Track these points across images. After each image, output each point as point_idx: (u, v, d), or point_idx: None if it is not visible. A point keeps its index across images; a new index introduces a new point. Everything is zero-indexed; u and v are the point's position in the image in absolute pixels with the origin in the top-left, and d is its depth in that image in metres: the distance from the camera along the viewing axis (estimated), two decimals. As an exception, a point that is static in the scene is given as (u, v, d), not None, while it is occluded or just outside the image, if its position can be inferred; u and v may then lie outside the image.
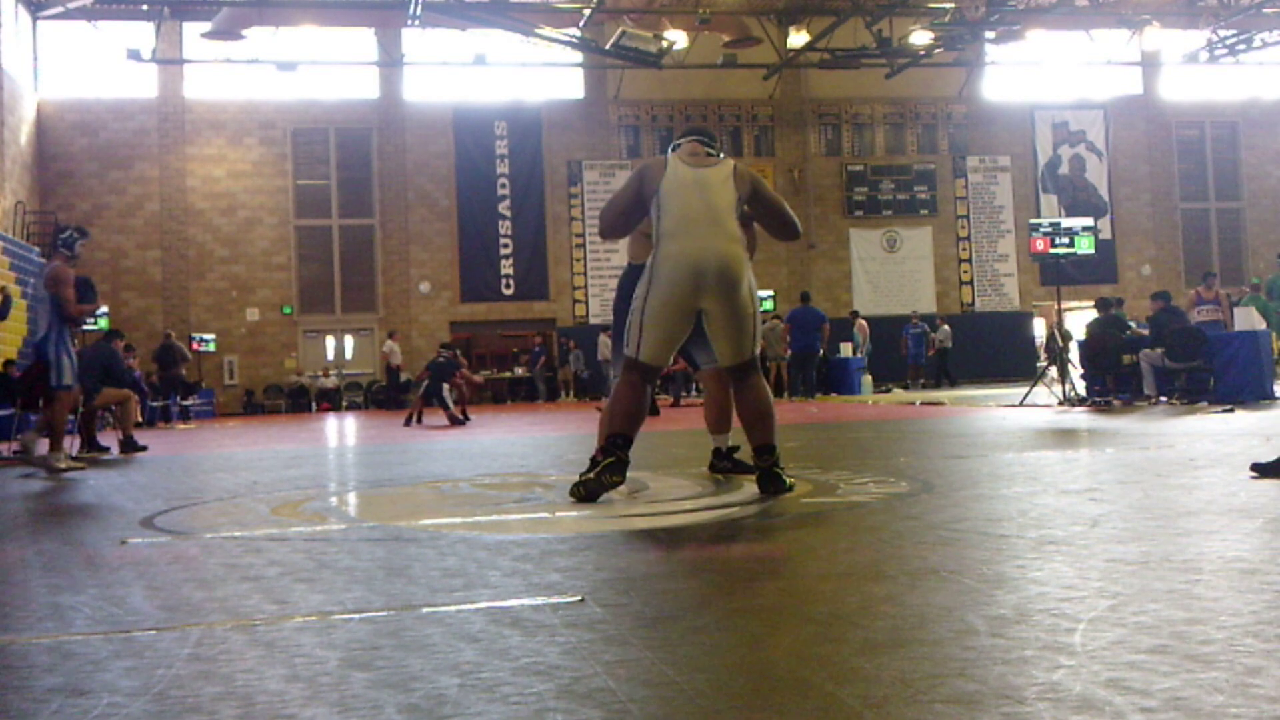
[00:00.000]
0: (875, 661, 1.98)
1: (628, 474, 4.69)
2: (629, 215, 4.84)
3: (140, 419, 15.67)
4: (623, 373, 4.74)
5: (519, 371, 26.90)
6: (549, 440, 10.18)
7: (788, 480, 4.69)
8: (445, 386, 14.69)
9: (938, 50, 24.86)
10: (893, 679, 1.87)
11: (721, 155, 4.91)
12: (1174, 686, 1.75)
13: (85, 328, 20.16)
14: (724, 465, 5.61)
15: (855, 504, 4.27)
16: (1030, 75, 29.43)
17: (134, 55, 23.40)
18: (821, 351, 19.96)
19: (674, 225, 4.58)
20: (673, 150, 4.87)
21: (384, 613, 2.58)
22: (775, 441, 4.69)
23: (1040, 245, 13.87)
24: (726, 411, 5.49)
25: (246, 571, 3.23)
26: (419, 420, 15.15)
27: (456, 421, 14.42)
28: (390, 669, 2.05)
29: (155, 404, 19.57)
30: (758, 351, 4.73)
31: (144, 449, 10.49)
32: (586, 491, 4.56)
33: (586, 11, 23.08)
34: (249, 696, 1.91)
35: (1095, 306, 14.58)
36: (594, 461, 4.86)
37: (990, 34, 23.83)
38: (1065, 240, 13.86)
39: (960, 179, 29.31)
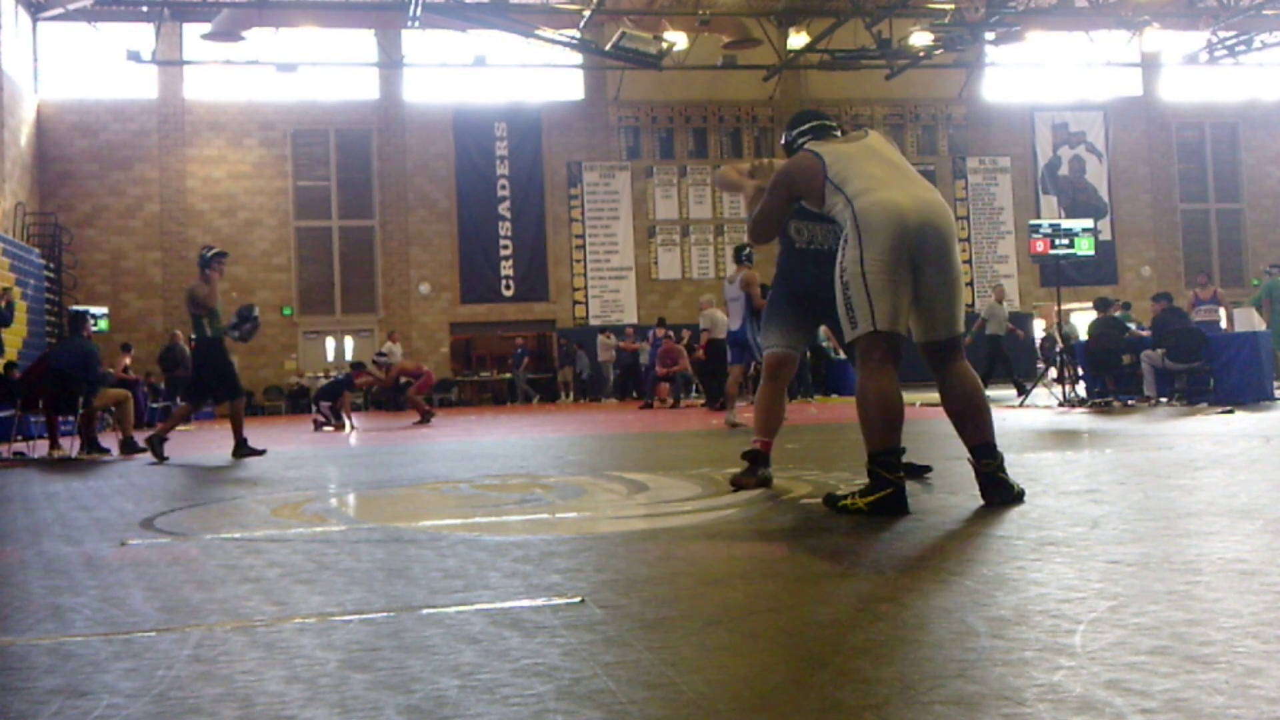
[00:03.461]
0: (875, 662, 1.98)
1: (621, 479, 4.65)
2: (780, 217, 4.52)
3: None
4: (862, 359, 4.00)
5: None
6: (550, 441, 10.18)
7: (1016, 486, 4.02)
8: (325, 405, 15.52)
9: (937, 51, 24.86)
10: (893, 680, 1.87)
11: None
12: (1174, 688, 1.75)
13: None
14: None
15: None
16: (1030, 76, 29.44)
17: (134, 56, 23.40)
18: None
19: (868, 182, 4.03)
20: (807, 142, 4.46)
21: (384, 614, 2.58)
22: (995, 440, 4.04)
23: (1040, 246, 13.89)
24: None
25: (246, 573, 3.23)
26: (338, 426, 15.32)
27: (322, 427, 14.95)
28: (390, 670, 2.05)
29: (155, 405, 19.56)
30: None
31: (144, 450, 10.45)
32: (898, 509, 3.85)
33: (586, 13, 23.08)
34: (249, 698, 1.92)
35: (1095, 306, 14.59)
36: (873, 475, 3.91)
37: (990, 35, 23.83)
38: (1065, 241, 13.87)
39: (960, 180, 29.32)
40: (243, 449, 9.30)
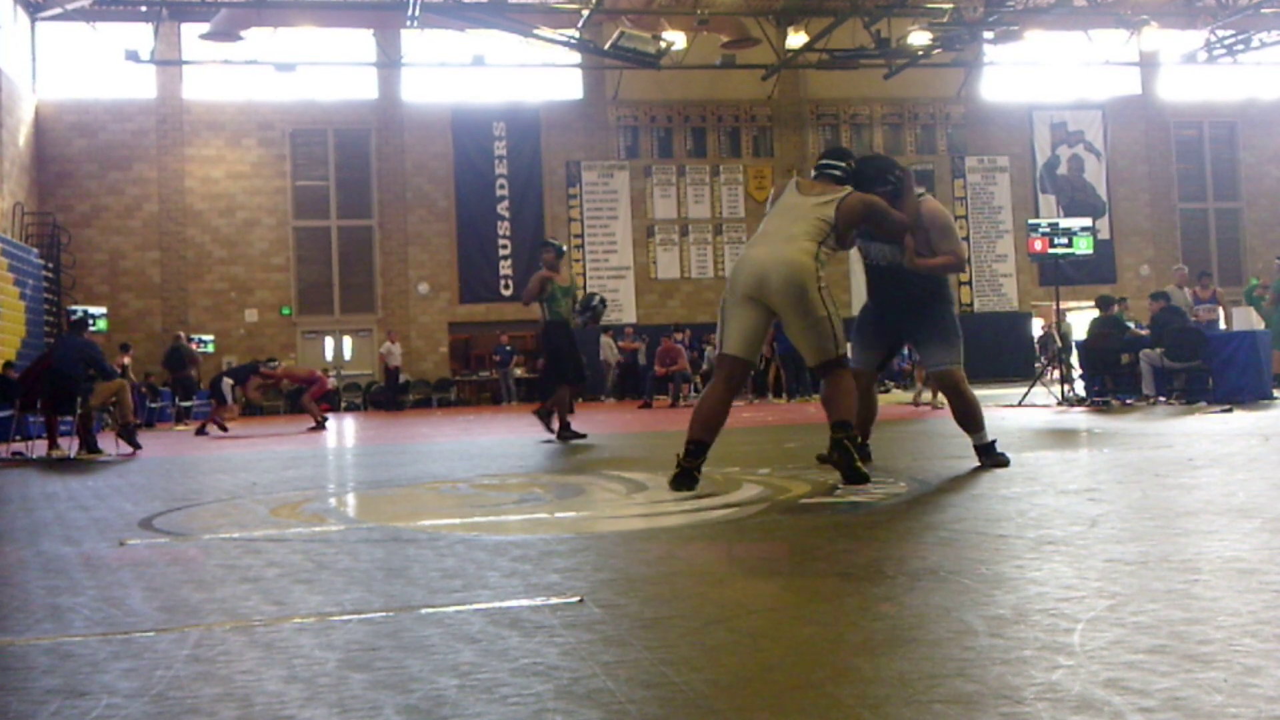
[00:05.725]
0: (874, 662, 1.98)
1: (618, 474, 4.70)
2: None
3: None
4: (714, 371, 5.21)
5: (518, 373, 26.84)
6: (549, 441, 10.17)
7: (853, 454, 4.80)
8: (229, 382, 15.60)
9: (936, 51, 24.86)
10: (892, 679, 1.87)
11: (846, 187, 5.06)
12: (1173, 686, 1.75)
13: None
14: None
15: (855, 504, 4.27)
16: (1028, 75, 29.43)
17: (132, 56, 23.38)
18: None
19: (755, 236, 5.13)
20: (813, 174, 5.23)
21: (383, 614, 2.58)
22: (852, 419, 4.91)
23: (1039, 245, 13.88)
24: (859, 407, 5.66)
25: (245, 573, 3.23)
26: (216, 429, 14.88)
27: (222, 428, 14.81)
28: (389, 670, 2.05)
29: (153, 405, 19.55)
30: (842, 350, 4.97)
31: (139, 446, 10.35)
32: (680, 486, 4.85)
33: (585, 12, 23.07)
34: (248, 698, 1.92)
35: (1096, 305, 14.58)
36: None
37: (988, 34, 23.82)
38: (1064, 240, 13.87)
39: (959, 179, 29.31)
40: (561, 429, 9.75)
